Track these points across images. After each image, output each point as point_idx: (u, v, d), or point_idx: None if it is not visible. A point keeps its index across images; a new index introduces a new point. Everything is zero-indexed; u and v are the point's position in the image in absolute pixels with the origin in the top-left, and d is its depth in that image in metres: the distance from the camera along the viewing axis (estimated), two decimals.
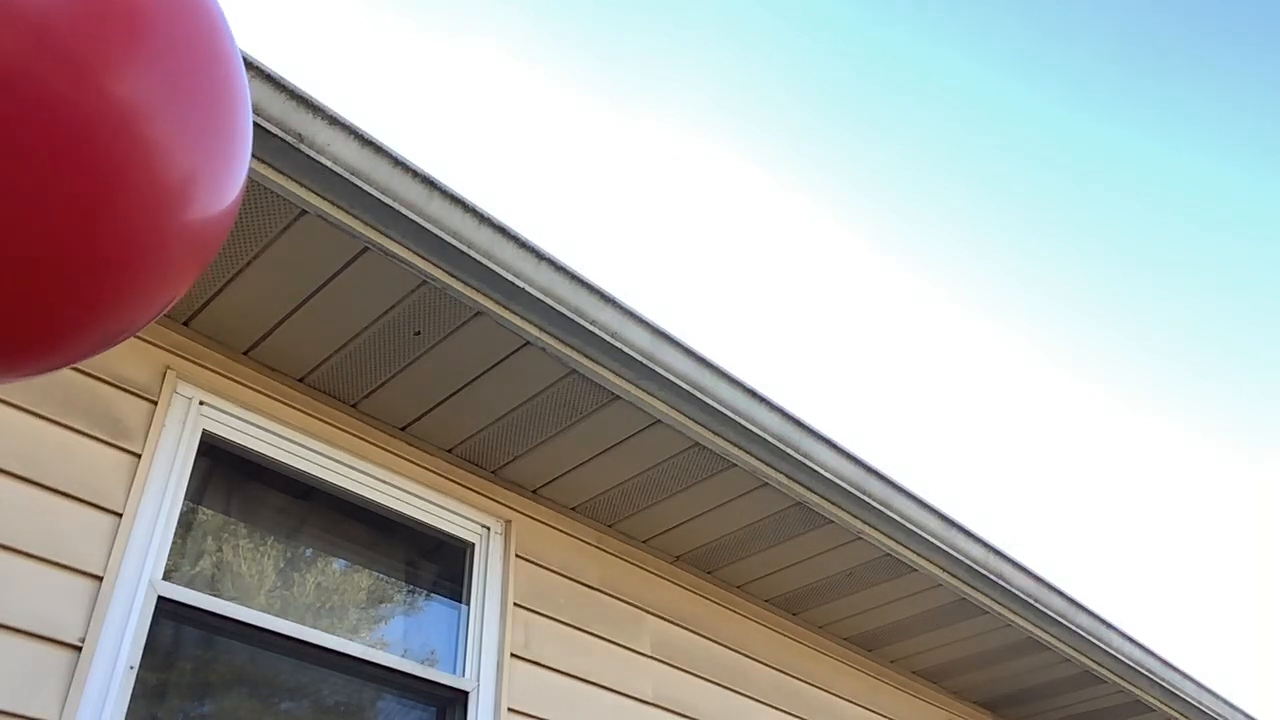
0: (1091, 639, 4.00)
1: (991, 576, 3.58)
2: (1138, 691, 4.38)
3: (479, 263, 2.29)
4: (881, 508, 3.21)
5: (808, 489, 3.07)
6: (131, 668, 1.98)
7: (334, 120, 2.05)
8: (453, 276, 2.30)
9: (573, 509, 3.12)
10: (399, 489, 2.71)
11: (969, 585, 3.60)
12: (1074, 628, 3.92)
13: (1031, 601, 3.74)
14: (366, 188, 2.11)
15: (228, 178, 0.63)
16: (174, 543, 2.22)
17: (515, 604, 2.80)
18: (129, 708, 1.96)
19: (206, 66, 0.58)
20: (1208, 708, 4.63)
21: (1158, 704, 4.49)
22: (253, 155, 1.73)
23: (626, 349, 2.57)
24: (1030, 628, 3.86)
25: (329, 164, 2.05)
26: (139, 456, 2.18)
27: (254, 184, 1.93)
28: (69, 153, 0.48)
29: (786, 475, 3.01)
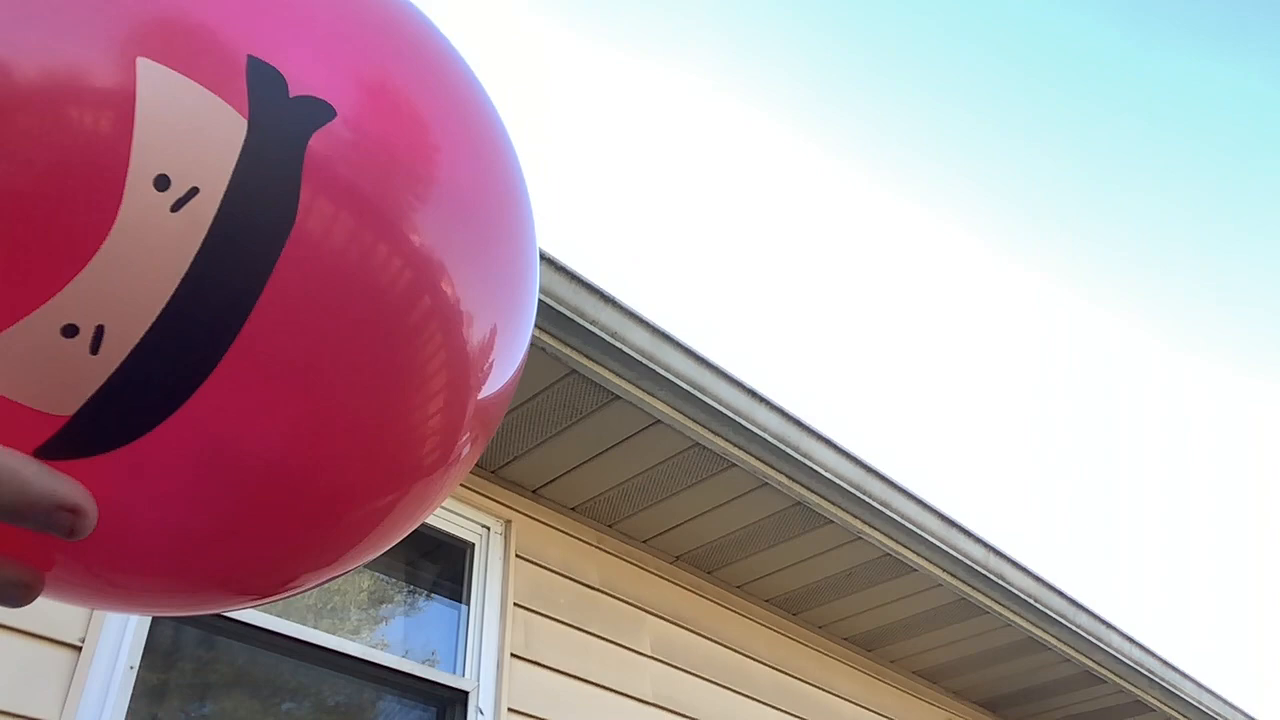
0: (1091, 639, 4.00)
1: (991, 576, 3.58)
2: (1138, 691, 4.38)
3: None
4: (881, 508, 3.21)
5: (808, 489, 3.07)
6: (131, 668, 1.98)
7: None
8: None
9: (573, 509, 3.12)
10: None
11: (969, 585, 3.60)
12: (1074, 628, 3.92)
13: (1031, 601, 3.74)
14: None
15: (522, 330, 0.48)
16: None
17: (515, 604, 2.80)
18: (129, 708, 1.96)
19: (497, 191, 0.45)
20: (1208, 708, 4.63)
21: (1158, 704, 4.49)
22: None
23: (626, 349, 2.57)
24: (1030, 628, 3.86)
25: None
26: None
27: None
28: (368, 327, 0.37)
29: (786, 475, 3.01)
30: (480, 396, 0.44)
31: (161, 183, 0.33)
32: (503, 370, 0.46)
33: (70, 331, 0.32)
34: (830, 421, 3.04)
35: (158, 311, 0.33)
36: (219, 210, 0.33)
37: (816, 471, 3.02)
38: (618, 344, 2.55)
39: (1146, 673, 4.28)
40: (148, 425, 0.34)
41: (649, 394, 2.68)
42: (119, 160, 0.32)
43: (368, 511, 0.43)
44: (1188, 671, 4.51)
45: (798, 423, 2.96)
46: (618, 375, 2.61)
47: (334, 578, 0.47)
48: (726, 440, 2.86)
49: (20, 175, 0.31)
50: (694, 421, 2.77)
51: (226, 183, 0.34)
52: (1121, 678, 4.29)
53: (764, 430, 2.87)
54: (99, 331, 0.32)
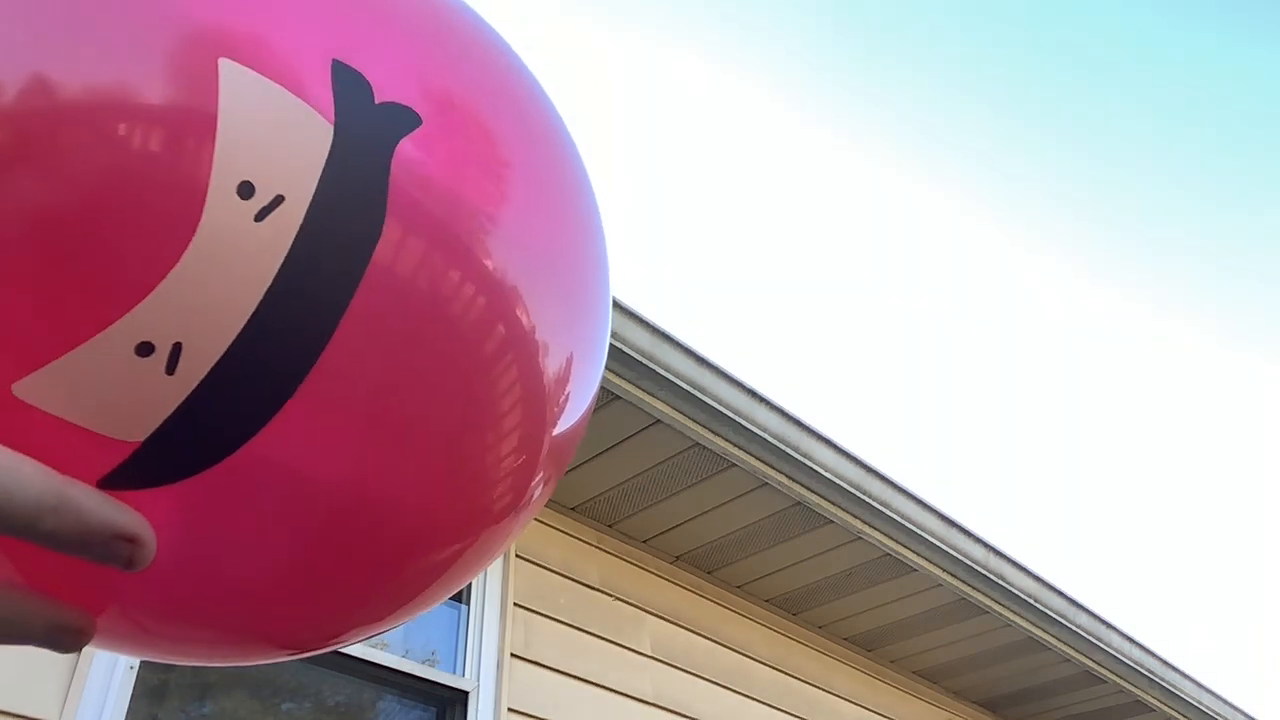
0: (1091, 639, 4.01)
1: (991, 576, 3.58)
2: (1138, 691, 4.38)
3: None
4: (881, 508, 3.21)
5: (808, 489, 3.07)
6: (131, 668, 1.98)
7: None
8: None
9: (573, 509, 3.12)
10: None
11: (969, 585, 3.60)
12: (1074, 628, 3.92)
13: (1031, 601, 3.74)
14: None
15: (597, 358, 0.45)
16: None
17: (515, 604, 2.80)
18: (129, 708, 1.96)
19: (572, 211, 0.43)
20: (1208, 708, 4.63)
21: (1158, 704, 4.50)
22: None
23: (626, 349, 2.57)
24: (1030, 628, 3.86)
25: None
26: None
27: None
28: (444, 356, 0.35)
29: (786, 475, 3.01)
30: (555, 432, 0.42)
31: (245, 190, 0.30)
32: (578, 404, 0.43)
33: (145, 350, 0.30)
34: (830, 421, 3.04)
35: (239, 328, 0.30)
36: (304, 220, 0.31)
37: (816, 471, 3.02)
38: (618, 344, 2.55)
39: (1146, 673, 4.28)
40: (220, 454, 0.32)
41: (649, 394, 2.68)
42: (201, 165, 0.30)
43: (433, 562, 0.40)
44: (1188, 671, 4.51)
45: (798, 423, 2.96)
46: (618, 375, 2.61)
47: (380, 633, 0.44)
48: (726, 440, 2.86)
49: (99, 181, 0.29)
50: (694, 421, 2.77)
51: (313, 191, 0.31)
52: (1121, 678, 4.29)
53: (764, 430, 2.87)
54: (176, 350, 0.30)
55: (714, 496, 3.08)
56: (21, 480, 0.27)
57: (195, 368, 0.30)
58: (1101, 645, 4.05)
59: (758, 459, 2.94)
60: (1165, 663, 4.37)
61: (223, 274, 0.30)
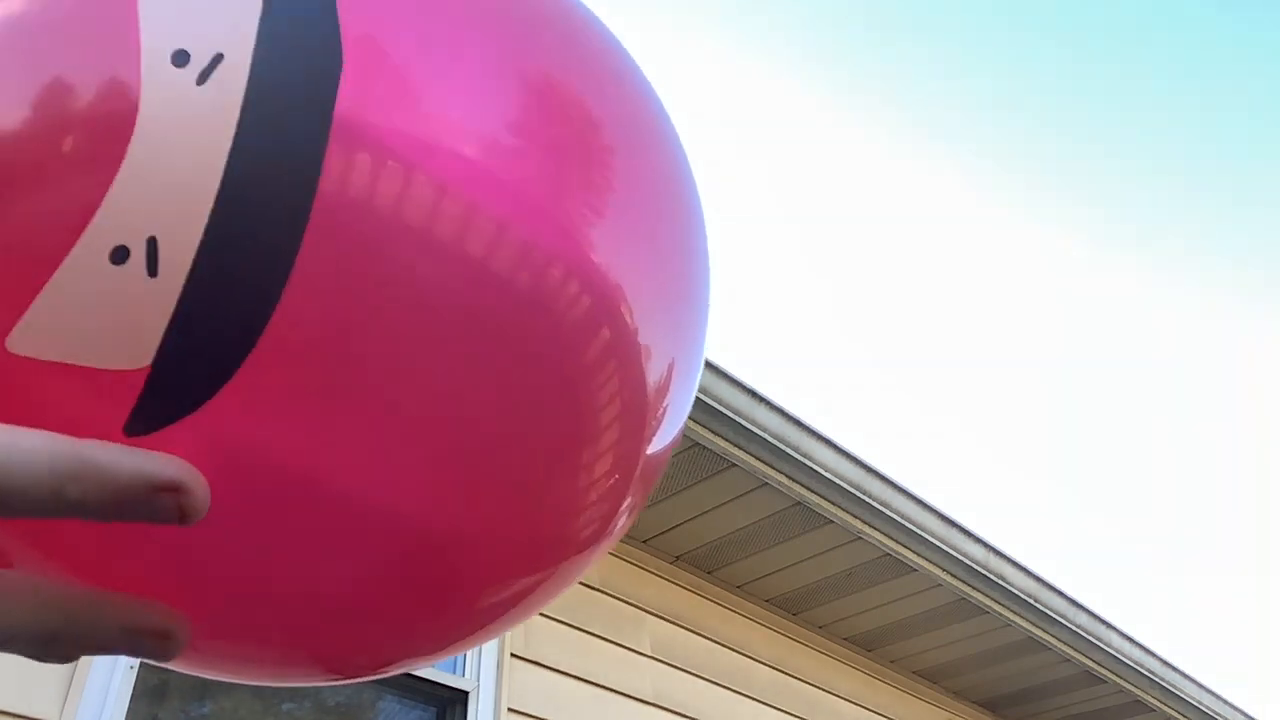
0: (1091, 639, 4.01)
1: (991, 576, 3.58)
2: (1138, 691, 4.38)
3: None
4: (881, 508, 3.21)
5: (808, 489, 3.07)
6: (131, 668, 1.98)
7: None
8: None
9: None
10: None
11: (969, 585, 3.60)
12: (1074, 628, 3.92)
13: (1031, 601, 3.74)
14: None
15: (697, 362, 0.40)
16: None
17: None
18: (129, 708, 1.96)
19: (670, 196, 0.38)
20: (1208, 708, 4.63)
21: (1158, 704, 4.50)
22: None
23: None
24: (1030, 628, 3.86)
25: None
26: None
27: None
28: (539, 358, 0.31)
29: (786, 475, 3.01)
30: (650, 451, 0.37)
31: (180, 58, 0.28)
32: (675, 418, 0.38)
33: (121, 255, 0.27)
34: (830, 421, 3.04)
35: (211, 201, 0.28)
36: (250, 73, 0.28)
37: (816, 471, 3.02)
38: None
39: (1146, 673, 4.28)
40: (237, 356, 0.28)
41: None
42: (128, 41, 0.28)
43: (509, 595, 0.35)
44: (1188, 671, 4.51)
45: (798, 423, 2.96)
46: None
47: (432, 663, 0.40)
48: (726, 440, 2.86)
49: (22, 80, 0.28)
50: (694, 421, 2.77)
51: (253, 42, 0.29)
52: (1121, 678, 4.29)
53: (764, 430, 2.87)
54: (152, 246, 0.27)
55: (714, 496, 3.08)
56: (28, 452, 0.24)
57: (177, 261, 0.27)
58: (1101, 645, 4.05)
59: (758, 459, 2.94)
60: (1165, 663, 4.38)
61: (178, 150, 0.27)
